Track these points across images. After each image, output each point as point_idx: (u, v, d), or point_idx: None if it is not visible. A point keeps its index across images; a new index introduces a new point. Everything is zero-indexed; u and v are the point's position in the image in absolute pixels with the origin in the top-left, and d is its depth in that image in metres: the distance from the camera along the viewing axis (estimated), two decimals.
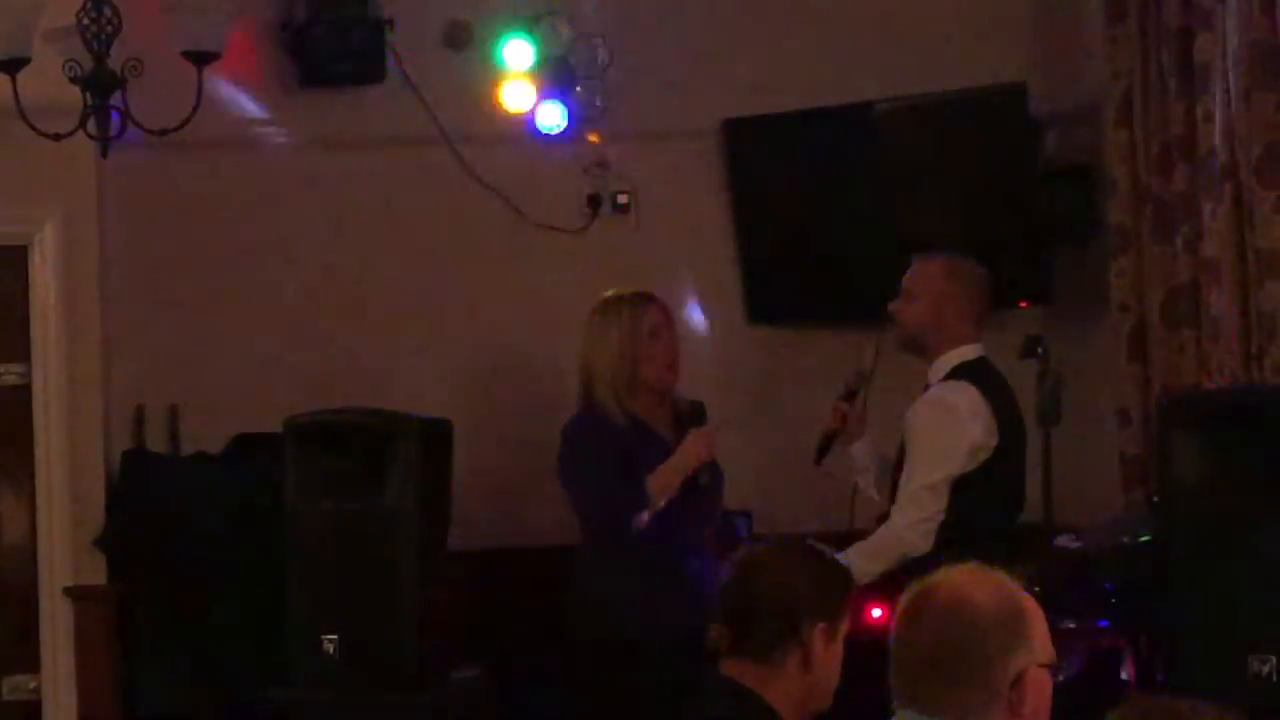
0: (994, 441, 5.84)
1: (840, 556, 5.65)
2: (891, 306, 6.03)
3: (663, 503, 5.98)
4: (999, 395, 5.92)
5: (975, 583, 3.09)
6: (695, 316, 7.42)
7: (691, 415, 6.17)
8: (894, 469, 6.01)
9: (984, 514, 5.82)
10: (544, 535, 7.26)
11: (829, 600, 3.82)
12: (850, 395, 6.12)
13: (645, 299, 6.22)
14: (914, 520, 5.79)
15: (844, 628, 3.81)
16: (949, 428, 5.83)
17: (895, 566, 5.72)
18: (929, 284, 5.97)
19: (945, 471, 5.80)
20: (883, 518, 5.98)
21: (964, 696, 3.02)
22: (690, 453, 6.04)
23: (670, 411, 6.22)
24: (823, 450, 6.16)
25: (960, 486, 5.82)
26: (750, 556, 3.88)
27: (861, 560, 5.62)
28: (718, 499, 6.21)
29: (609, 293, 6.29)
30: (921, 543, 5.77)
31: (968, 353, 5.94)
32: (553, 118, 7.41)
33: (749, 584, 3.79)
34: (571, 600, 6.22)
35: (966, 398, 5.86)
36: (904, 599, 3.14)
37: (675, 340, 6.24)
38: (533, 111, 7.43)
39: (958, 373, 5.89)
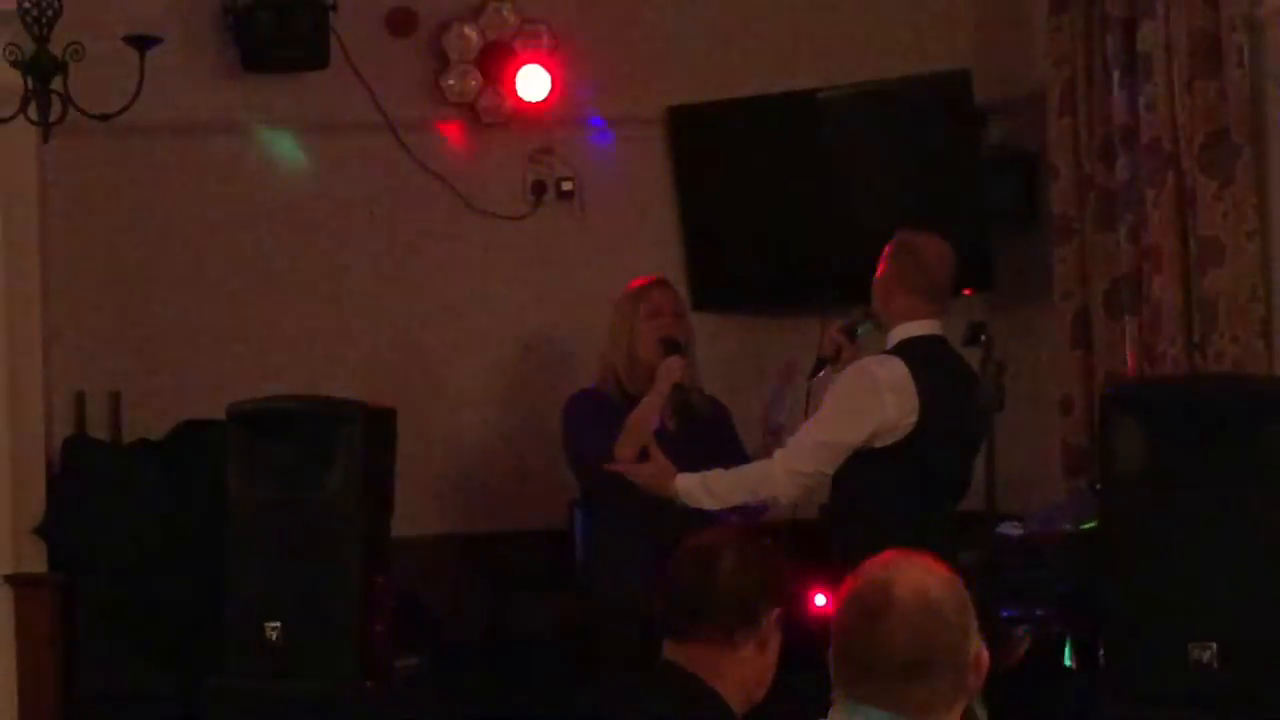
0: (911, 420, 5.75)
1: (702, 478, 5.72)
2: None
3: (647, 429, 6.06)
4: (935, 377, 5.79)
5: (926, 575, 3.12)
6: None
7: (705, 410, 6.22)
8: None
9: (897, 497, 5.74)
10: (488, 522, 7.27)
11: (783, 587, 3.86)
12: (850, 331, 6.08)
13: (653, 284, 6.37)
14: (795, 469, 5.73)
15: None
16: (863, 396, 5.74)
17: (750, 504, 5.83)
18: (884, 258, 5.95)
19: (846, 438, 5.73)
20: (834, 486, 5.91)
21: (937, 688, 3.05)
22: (661, 377, 6.13)
23: (677, 399, 6.25)
24: (815, 370, 6.14)
25: (869, 461, 5.76)
26: (702, 543, 3.88)
27: (724, 488, 5.67)
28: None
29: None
30: (790, 494, 5.77)
31: (915, 329, 5.83)
32: (498, 111, 7.38)
33: (707, 570, 3.80)
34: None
35: (890, 372, 5.74)
36: (852, 598, 3.14)
37: (678, 323, 6.27)
38: (476, 98, 7.41)
39: (901, 348, 5.85)
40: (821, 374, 6.11)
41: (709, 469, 5.91)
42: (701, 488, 5.79)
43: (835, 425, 5.77)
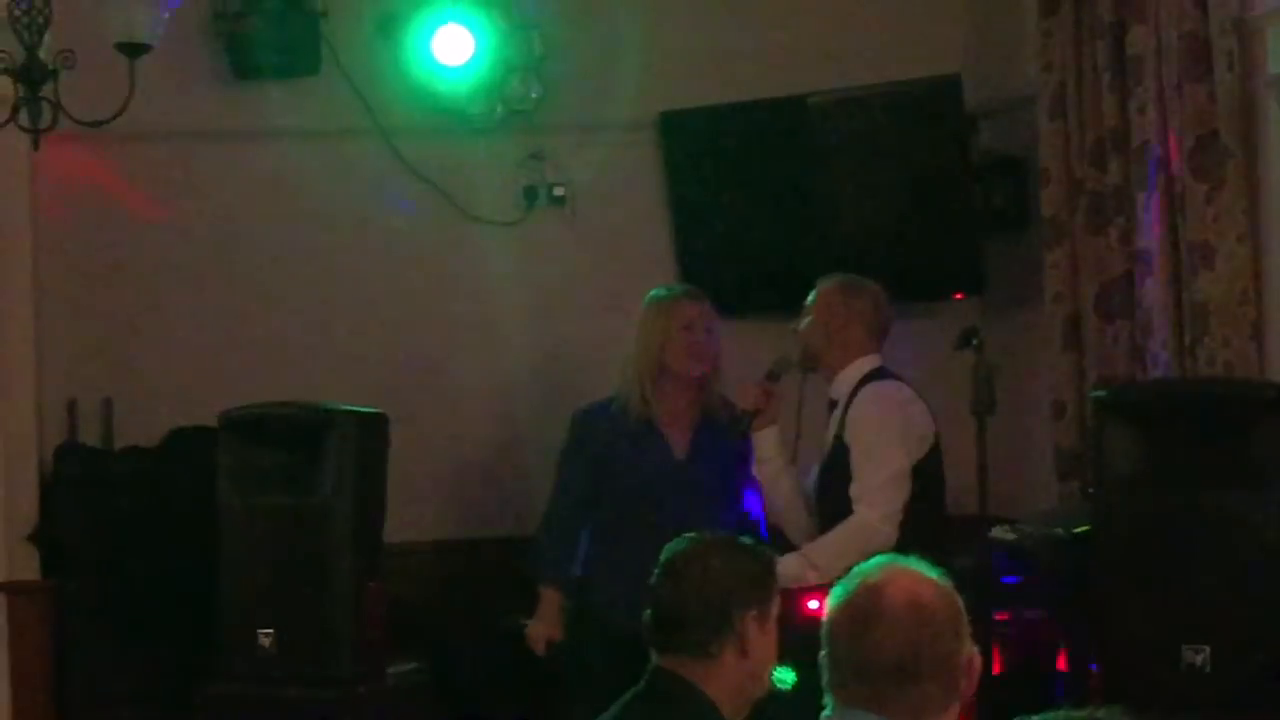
0: (933, 430, 5.88)
1: (803, 555, 5.70)
2: (792, 326, 6.08)
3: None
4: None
5: (918, 581, 3.14)
6: None
7: (730, 422, 6.20)
8: (823, 472, 6.00)
9: (929, 504, 5.85)
10: (480, 528, 7.27)
11: (757, 587, 3.87)
12: (773, 378, 6.12)
13: (688, 295, 6.31)
14: (888, 512, 5.74)
15: (774, 612, 3.86)
16: (897, 419, 5.85)
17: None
18: (825, 302, 6.02)
19: (906, 461, 5.81)
20: (830, 516, 5.95)
21: (929, 693, 3.07)
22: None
23: (699, 411, 6.23)
24: (739, 429, 6.13)
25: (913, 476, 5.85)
26: (675, 556, 3.89)
27: (828, 558, 5.62)
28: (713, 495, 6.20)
29: (658, 289, 6.37)
30: (893, 534, 5.72)
31: (869, 364, 5.98)
32: (488, 115, 7.39)
33: (678, 583, 3.82)
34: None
35: (901, 391, 5.91)
36: (842, 602, 3.15)
37: (710, 338, 6.24)
38: (467, 102, 7.41)
39: (868, 379, 5.92)
40: (759, 430, 6.11)
41: (724, 489, 6.10)
42: (805, 565, 5.71)
43: (892, 454, 5.81)
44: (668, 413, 6.21)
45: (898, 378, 5.96)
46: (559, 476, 6.33)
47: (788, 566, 5.63)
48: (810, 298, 6.08)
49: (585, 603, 6.24)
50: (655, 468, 6.16)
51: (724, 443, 6.21)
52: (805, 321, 6.05)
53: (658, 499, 6.09)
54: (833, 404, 6.01)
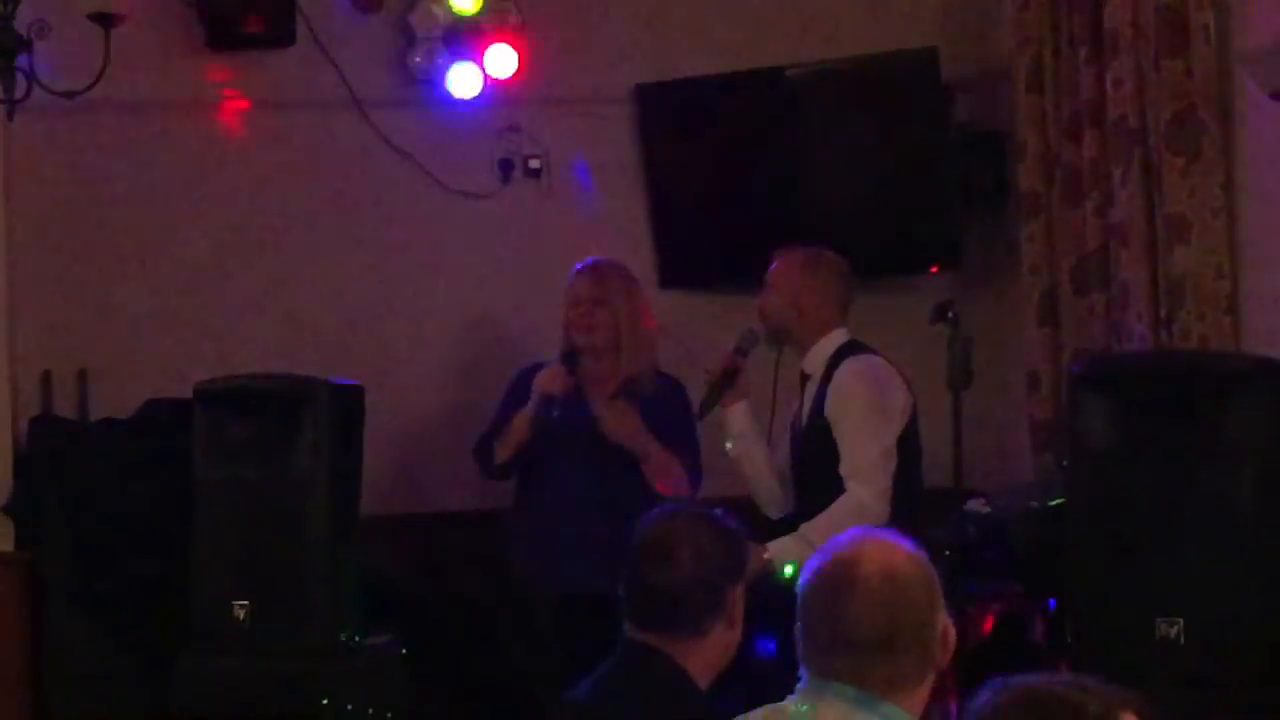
0: (912, 402, 5.89)
1: (801, 536, 5.69)
2: (756, 301, 6.08)
3: (518, 437, 6.25)
4: None
5: (892, 553, 3.14)
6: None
7: (648, 392, 6.29)
8: (800, 445, 6.00)
9: (909, 476, 5.86)
10: (456, 500, 7.26)
11: (739, 561, 3.88)
12: (742, 353, 6.12)
13: (580, 272, 6.41)
14: (880, 489, 5.75)
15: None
16: (883, 390, 5.86)
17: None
18: (789, 277, 6.03)
19: (893, 434, 5.82)
20: (809, 489, 5.96)
21: (905, 665, 3.08)
22: (535, 384, 6.28)
23: (621, 380, 6.31)
24: (709, 403, 6.13)
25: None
26: (659, 532, 3.87)
27: (822, 536, 5.62)
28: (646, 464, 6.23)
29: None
30: (886, 510, 5.73)
31: (840, 337, 5.99)
32: (465, 87, 7.37)
33: (670, 565, 3.79)
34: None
35: (881, 365, 5.92)
36: (817, 574, 3.15)
37: (602, 310, 6.31)
38: (444, 75, 7.39)
39: (841, 353, 5.93)
40: (730, 405, 6.12)
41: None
42: (805, 545, 5.62)
43: (879, 429, 5.82)
44: (589, 380, 6.32)
45: (870, 350, 5.97)
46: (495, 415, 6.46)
47: (787, 547, 5.64)
48: (771, 271, 6.07)
49: (512, 568, 6.37)
50: (577, 426, 6.22)
51: (644, 406, 6.28)
52: (768, 296, 6.05)
53: (576, 457, 6.23)
54: (804, 377, 6.02)
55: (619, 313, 6.33)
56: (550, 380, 6.24)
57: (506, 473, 6.37)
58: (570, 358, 6.30)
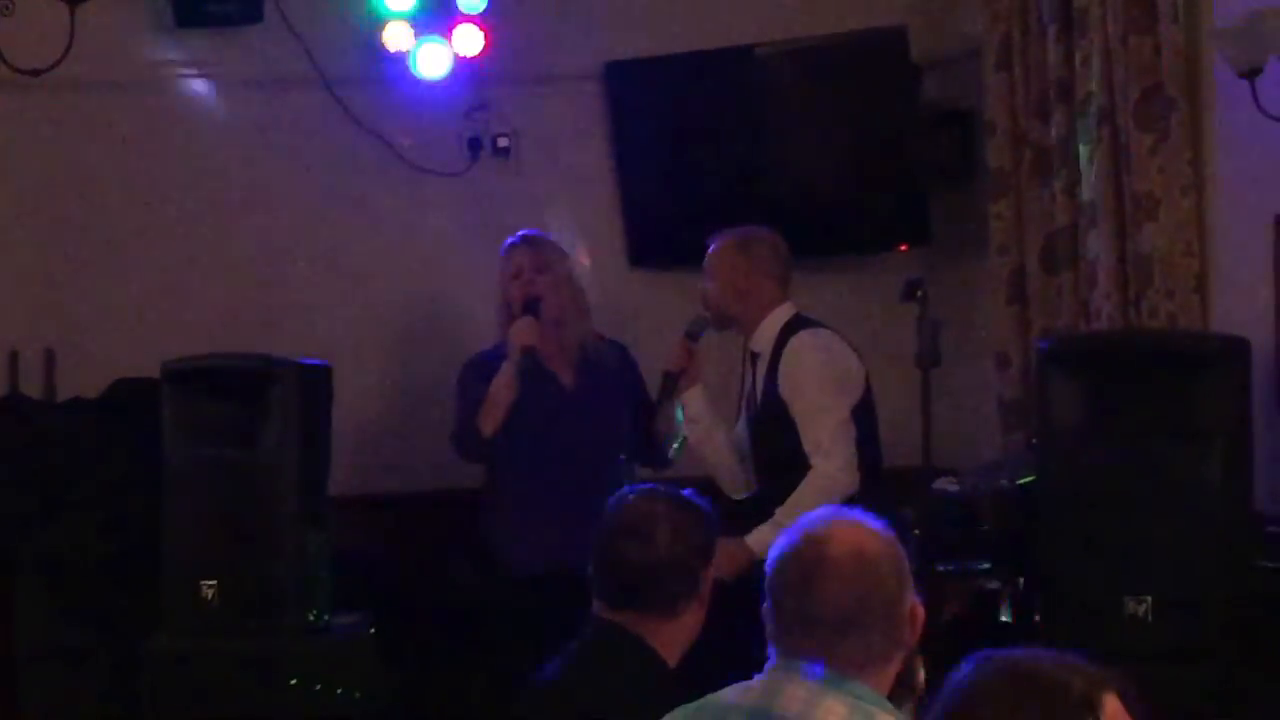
0: (864, 371, 5.95)
1: (775, 522, 5.68)
2: (701, 286, 6.09)
3: (505, 399, 6.20)
4: None
5: (861, 531, 3.15)
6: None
7: (605, 360, 6.35)
8: (756, 424, 6.00)
9: (867, 446, 5.88)
10: (424, 480, 7.25)
11: (711, 541, 3.90)
12: (692, 338, 6.12)
13: (515, 244, 6.43)
14: (845, 460, 5.78)
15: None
16: (836, 361, 5.89)
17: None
18: (724, 261, 6.05)
19: (849, 404, 5.85)
20: (767, 467, 5.97)
21: (874, 644, 3.08)
22: (511, 343, 6.25)
23: (577, 347, 6.38)
24: (666, 391, 6.14)
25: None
26: (637, 512, 3.87)
27: (794, 517, 5.62)
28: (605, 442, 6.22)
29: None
30: (854, 479, 5.76)
31: (785, 313, 6.01)
32: (434, 66, 7.35)
33: (645, 545, 3.79)
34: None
35: (832, 337, 5.98)
36: (788, 554, 3.15)
37: (540, 279, 6.33)
38: (412, 53, 7.37)
39: (789, 329, 5.94)
40: (685, 390, 6.12)
41: (617, 419, 6.17)
42: (779, 530, 5.68)
43: (836, 400, 5.85)
44: (547, 352, 6.33)
45: (817, 323, 5.97)
46: (457, 412, 6.42)
47: (765, 535, 5.62)
48: (708, 257, 6.07)
49: (487, 545, 6.35)
50: (549, 398, 6.27)
51: (607, 373, 6.36)
52: (707, 283, 6.06)
53: (553, 429, 6.25)
54: (753, 356, 6.02)
55: (560, 280, 6.35)
56: (524, 332, 6.22)
57: (492, 446, 6.30)
58: (532, 306, 6.28)
